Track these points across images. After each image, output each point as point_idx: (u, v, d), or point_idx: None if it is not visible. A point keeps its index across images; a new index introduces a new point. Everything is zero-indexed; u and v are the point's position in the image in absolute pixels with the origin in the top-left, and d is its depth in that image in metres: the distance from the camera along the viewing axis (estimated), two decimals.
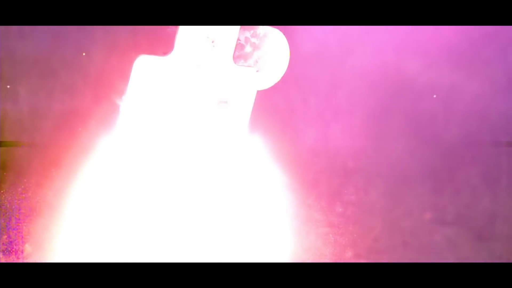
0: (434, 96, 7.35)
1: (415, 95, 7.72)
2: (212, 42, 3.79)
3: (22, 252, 7.08)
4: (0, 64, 7.23)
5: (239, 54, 3.88)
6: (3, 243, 7.00)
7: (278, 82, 3.98)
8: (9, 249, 7.03)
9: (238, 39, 3.84)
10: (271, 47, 3.93)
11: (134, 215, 4.02)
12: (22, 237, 7.06)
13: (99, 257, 3.99)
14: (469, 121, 7.68)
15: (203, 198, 4.02)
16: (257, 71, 3.91)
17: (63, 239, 7.14)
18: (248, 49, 3.90)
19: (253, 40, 3.90)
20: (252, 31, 3.88)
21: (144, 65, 3.79)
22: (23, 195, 7.08)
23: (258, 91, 3.94)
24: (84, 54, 7.18)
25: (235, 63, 3.87)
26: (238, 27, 3.85)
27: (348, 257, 7.33)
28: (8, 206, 7.06)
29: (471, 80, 7.71)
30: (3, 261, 6.94)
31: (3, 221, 7.02)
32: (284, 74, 3.96)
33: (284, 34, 3.95)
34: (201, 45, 3.81)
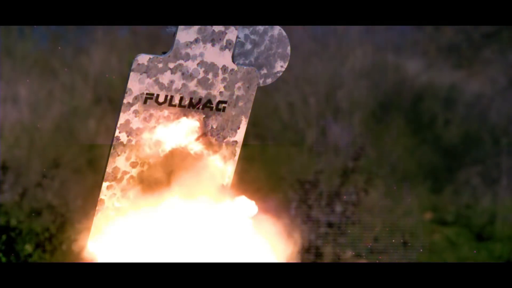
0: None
1: (415, 95, 7.71)
2: (212, 41, 3.79)
3: (23, 251, 7.07)
4: (0, 64, 7.22)
5: (239, 52, 3.87)
6: (3, 243, 7.00)
7: (278, 81, 3.97)
8: (9, 249, 7.02)
9: (238, 37, 3.84)
10: (271, 44, 3.92)
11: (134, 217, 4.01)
12: (22, 237, 7.05)
13: (100, 257, 3.99)
14: (469, 121, 7.68)
15: (202, 202, 4.02)
16: (257, 69, 3.90)
17: (64, 239, 7.13)
18: (247, 46, 3.89)
19: (252, 37, 3.89)
20: (251, 28, 3.87)
21: (143, 65, 3.78)
22: (24, 195, 7.07)
23: (258, 90, 3.94)
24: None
25: (235, 61, 3.86)
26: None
27: (348, 257, 7.32)
28: (8, 206, 7.05)
29: (471, 80, 7.71)
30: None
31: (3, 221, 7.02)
32: (284, 74, 3.95)
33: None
34: (200, 44, 3.80)
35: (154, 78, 3.78)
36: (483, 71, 7.69)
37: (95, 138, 7.30)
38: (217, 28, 3.82)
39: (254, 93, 3.93)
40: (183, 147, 3.91)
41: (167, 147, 3.90)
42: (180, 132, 3.88)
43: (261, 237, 3.98)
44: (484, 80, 7.68)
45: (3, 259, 6.97)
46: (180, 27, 3.78)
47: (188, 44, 3.80)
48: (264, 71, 3.94)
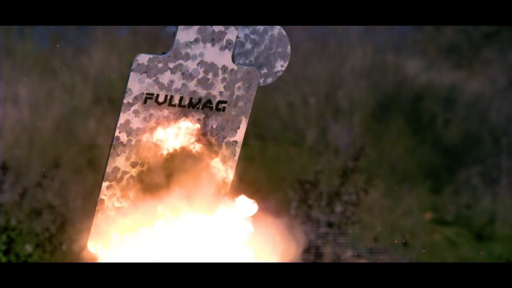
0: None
1: (415, 95, 7.72)
2: (212, 40, 3.79)
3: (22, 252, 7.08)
4: (0, 64, 7.23)
5: (239, 51, 3.87)
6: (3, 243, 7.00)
7: (278, 81, 3.97)
8: (9, 249, 7.02)
9: (238, 37, 3.84)
10: (271, 43, 3.92)
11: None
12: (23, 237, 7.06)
13: (100, 257, 3.99)
14: (469, 121, 7.68)
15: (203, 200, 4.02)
16: (257, 68, 3.90)
17: (64, 239, 7.13)
18: (248, 46, 3.89)
19: (252, 36, 3.89)
20: (251, 28, 3.87)
21: (143, 65, 3.78)
22: (24, 195, 7.08)
23: (258, 90, 3.94)
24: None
25: (235, 61, 3.86)
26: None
27: (348, 257, 7.32)
28: (8, 206, 7.06)
29: (471, 80, 7.71)
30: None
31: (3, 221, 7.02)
32: (284, 74, 3.95)
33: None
34: (200, 44, 3.81)
35: (154, 78, 3.78)
36: (483, 71, 7.69)
37: (95, 138, 7.30)
38: (217, 28, 3.82)
39: (254, 93, 3.93)
40: (183, 148, 3.91)
41: (166, 149, 3.90)
42: (179, 134, 3.88)
43: (260, 237, 3.98)
44: (484, 80, 7.68)
45: (3, 259, 6.97)
46: (180, 27, 3.78)
47: (188, 44, 3.80)
48: (265, 70, 3.94)
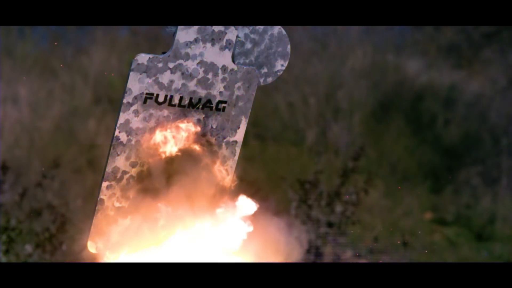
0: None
1: (415, 95, 7.72)
2: (212, 40, 3.79)
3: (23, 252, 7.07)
4: (0, 64, 7.23)
5: (239, 51, 3.87)
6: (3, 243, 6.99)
7: (278, 81, 3.97)
8: (9, 249, 7.02)
9: (238, 36, 3.84)
10: (271, 43, 3.92)
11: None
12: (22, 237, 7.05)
13: (100, 257, 3.99)
14: (469, 121, 7.68)
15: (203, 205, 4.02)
16: (258, 68, 3.90)
17: (64, 239, 7.13)
18: (248, 45, 3.89)
19: (252, 36, 3.89)
20: (251, 27, 3.87)
21: (143, 64, 3.78)
22: (24, 195, 7.07)
23: (258, 90, 3.93)
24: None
25: (235, 60, 3.86)
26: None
27: (348, 257, 7.32)
28: (8, 206, 7.05)
29: (471, 80, 7.71)
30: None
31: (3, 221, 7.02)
32: (284, 74, 3.95)
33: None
34: (200, 44, 3.80)
35: (153, 78, 3.78)
36: (483, 71, 7.69)
37: (95, 138, 7.30)
38: (217, 28, 3.82)
39: (254, 93, 3.93)
40: (183, 149, 3.91)
41: (166, 150, 3.89)
42: (179, 135, 3.88)
43: (260, 237, 3.98)
44: (484, 80, 7.68)
45: (3, 259, 6.97)
46: (180, 27, 3.77)
47: (188, 44, 3.80)
48: (265, 70, 3.94)
